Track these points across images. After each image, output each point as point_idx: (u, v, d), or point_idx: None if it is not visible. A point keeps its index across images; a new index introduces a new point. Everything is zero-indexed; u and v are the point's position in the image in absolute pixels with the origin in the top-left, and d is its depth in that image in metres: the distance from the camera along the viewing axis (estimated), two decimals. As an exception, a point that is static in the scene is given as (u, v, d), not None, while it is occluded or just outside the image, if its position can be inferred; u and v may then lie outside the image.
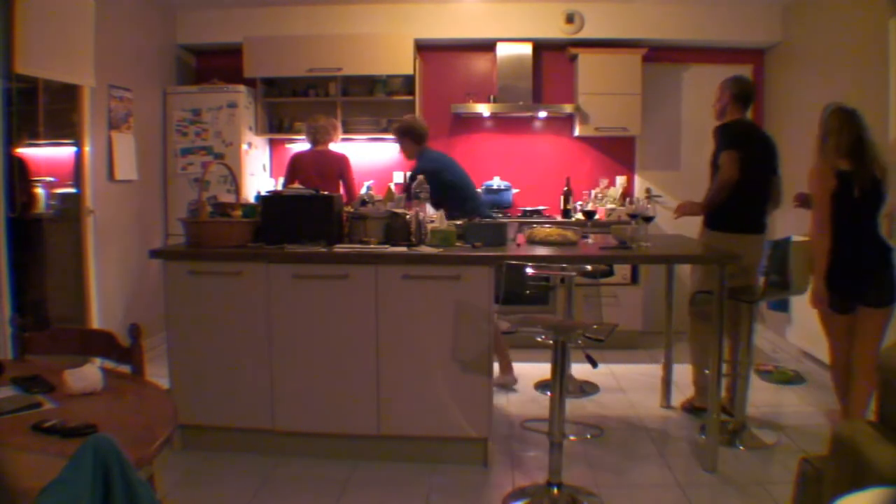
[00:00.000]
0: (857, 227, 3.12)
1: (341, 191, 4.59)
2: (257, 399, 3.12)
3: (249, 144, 5.30)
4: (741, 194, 3.54)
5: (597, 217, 4.79)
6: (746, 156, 3.52)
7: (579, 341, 2.55)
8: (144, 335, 2.04)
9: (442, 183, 3.81)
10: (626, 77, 5.24)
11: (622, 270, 5.05)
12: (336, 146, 4.81)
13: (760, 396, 3.96)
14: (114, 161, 4.52)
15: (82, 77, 4.06)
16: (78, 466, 1.18)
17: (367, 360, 3.05)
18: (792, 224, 4.94)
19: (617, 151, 5.65)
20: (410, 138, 4.13)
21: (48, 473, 1.17)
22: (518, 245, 3.29)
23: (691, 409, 3.77)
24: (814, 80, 4.71)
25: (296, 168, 4.60)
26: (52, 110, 4.20)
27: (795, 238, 3.73)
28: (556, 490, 2.70)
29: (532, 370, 4.48)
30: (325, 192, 3.23)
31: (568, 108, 5.31)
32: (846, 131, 3.13)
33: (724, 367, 3.05)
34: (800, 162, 4.94)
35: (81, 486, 1.17)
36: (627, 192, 5.54)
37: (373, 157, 5.69)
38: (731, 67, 5.57)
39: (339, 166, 4.64)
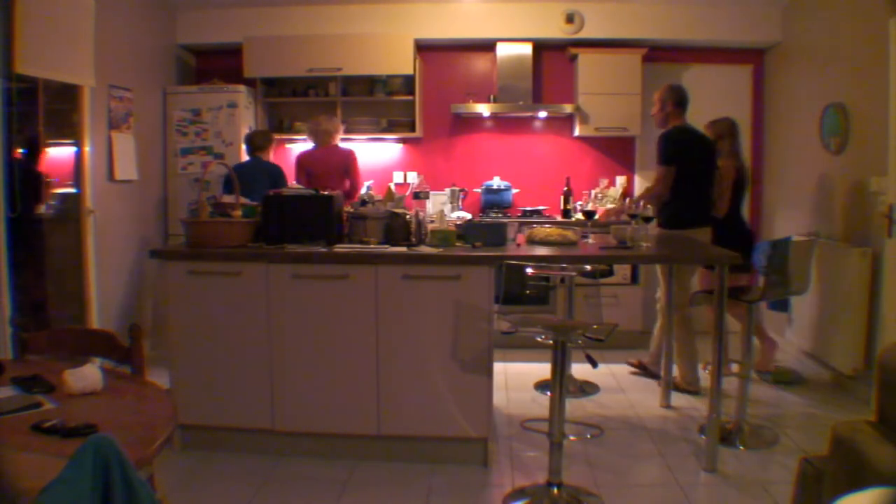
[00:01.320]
0: (739, 210, 4.21)
1: (346, 186, 4.67)
2: (257, 399, 3.12)
3: (249, 144, 5.30)
4: (688, 194, 3.93)
5: (597, 217, 4.78)
6: (687, 164, 3.92)
7: (579, 341, 2.55)
8: (144, 335, 2.04)
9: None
10: (626, 77, 5.24)
11: (622, 270, 5.05)
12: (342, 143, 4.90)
13: (760, 396, 3.95)
14: (114, 161, 4.51)
15: (82, 77, 4.06)
16: (78, 466, 1.18)
17: (367, 360, 3.05)
18: (792, 224, 4.95)
19: (617, 151, 5.65)
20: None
21: (48, 473, 1.17)
22: (518, 245, 3.29)
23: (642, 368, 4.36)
24: (814, 80, 4.71)
25: (302, 166, 4.72)
26: (52, 110, 4.19)
27: (795, 238, 3.74)
28: (556, 490, 2.70)
29: (532, 370, 4.48)
30: (326, 192, 3.23)
31: (568, 108, 5.30)
32: (737, 136, 4.21)
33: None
34: (800, 161, 4.95)
35: (81, 486, 1.17)
36: (627, 192, 5.53)
37: (373, 157, 5.69)
38: (731, 67, 5.59)
39: (345, 161, 4.73)
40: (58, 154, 4.39)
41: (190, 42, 5.53)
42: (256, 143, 4.72)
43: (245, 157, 4.92)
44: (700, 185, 3.96)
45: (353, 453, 3.14)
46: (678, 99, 4.06)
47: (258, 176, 4.43)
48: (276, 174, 4.59)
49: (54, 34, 3.77)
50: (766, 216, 5.54)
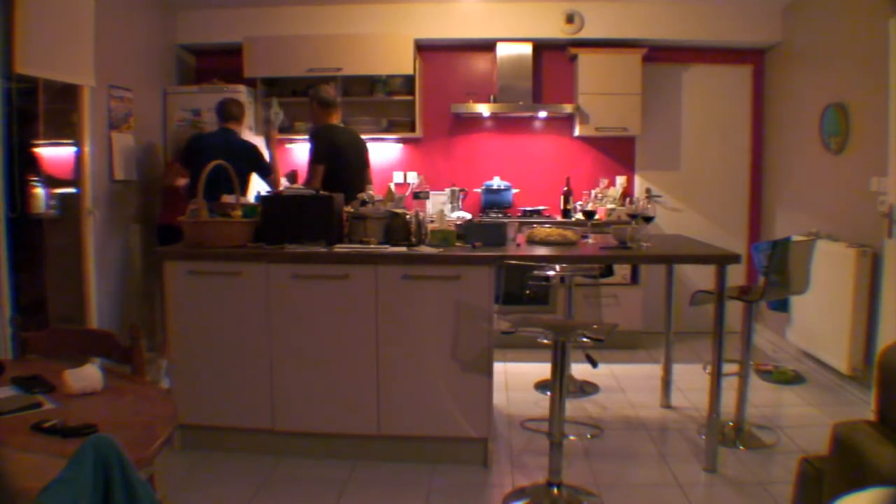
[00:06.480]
0: None
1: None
2: (257, 399, 3.12)
3: (249, 144, 5.29)
4: (342, 187, 3.60)
5: (597, 217, 4.79)
6: (335, 161, 4.03)
7: (582, 339, 2.54)
8: (144, 335, 2.04)
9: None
10: (626, 77, 5.24)
11: (622, 270, 5.05)
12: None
13: (760, 396, 3.96)
14: (114, 161, 4.51)
15: (82, 77, 4.05)
16: (78, 466, 1.18)
17: (367, 359, 3.05)
18: (792, 224, 4.95)
19: (617, 151, 5.65)
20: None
21: (48, 473, 1.17)
22: (518, 245, 3.29)
23: None
24: (814, 80, 4.71)
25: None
26: (52, 110, 4.19)
27: (795, 238, 3.74)
28: (556, 490, 2.70)
29: (532, 370, 4.48)
30: (325, 192, 3.23)
31: (568, 108, 5.30)
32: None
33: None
34: (800, 161, 4.95)
35: (81, 486, 1.17)
36: (627, 192, 5.53)
37: (372, 157, 5.67)
38: (731, 67, 5.59)
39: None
40: (58, 154, 4.39)
41: (190, 42, 5.53)
42: (230, 112, 4.39)
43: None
44: (349, 180, 3.93)
45: (353, 453, 3.14)
46: (320, 99, 4.15)
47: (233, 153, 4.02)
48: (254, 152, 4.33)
49: (54, 34, 3.76)
50: (766, 216, 5.54)
